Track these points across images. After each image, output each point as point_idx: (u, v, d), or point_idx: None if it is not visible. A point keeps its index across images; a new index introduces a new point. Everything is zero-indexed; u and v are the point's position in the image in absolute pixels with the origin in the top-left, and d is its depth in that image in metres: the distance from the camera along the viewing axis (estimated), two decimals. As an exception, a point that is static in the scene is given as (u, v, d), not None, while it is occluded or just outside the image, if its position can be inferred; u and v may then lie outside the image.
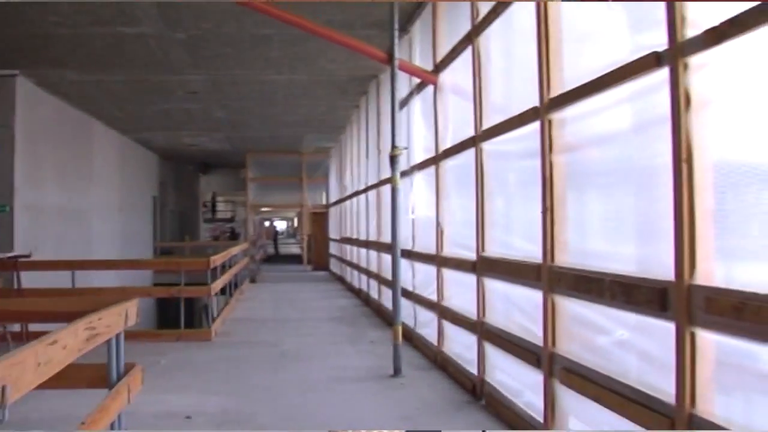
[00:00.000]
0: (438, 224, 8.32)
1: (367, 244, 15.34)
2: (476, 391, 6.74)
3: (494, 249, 6.37)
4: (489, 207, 6.53)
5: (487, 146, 6.51)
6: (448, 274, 8.12)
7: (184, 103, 16.26)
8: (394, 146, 8.06)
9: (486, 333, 6.48)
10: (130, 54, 11.71)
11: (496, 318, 6.36)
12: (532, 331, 5.32)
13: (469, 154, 6.94)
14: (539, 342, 5.09)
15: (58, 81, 13.83)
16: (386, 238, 12.25)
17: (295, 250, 47.12)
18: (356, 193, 17.44)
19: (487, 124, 6.41)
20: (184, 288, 10.67)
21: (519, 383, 5.73)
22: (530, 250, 5.34)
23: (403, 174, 10.39)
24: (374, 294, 14.50)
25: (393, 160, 8.07)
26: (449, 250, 8.05)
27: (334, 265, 24.80)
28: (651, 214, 3.87)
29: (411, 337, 10.14)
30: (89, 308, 4.36)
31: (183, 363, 9.02)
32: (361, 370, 8.35)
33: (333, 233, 25.57)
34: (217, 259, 11.81)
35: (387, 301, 12.21)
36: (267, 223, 68.15)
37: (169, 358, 9.27)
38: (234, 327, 12.06)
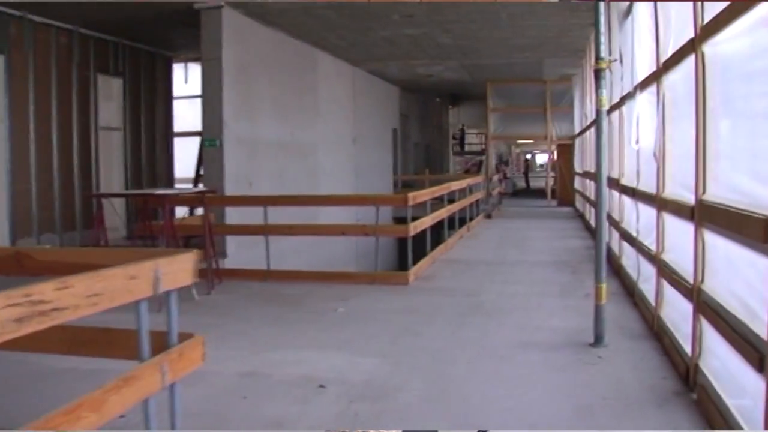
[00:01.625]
0: (655, 156, 6.57)
1: (591, 177, 13.53)
2: (689, 378, 5.10)
3: (718, 191, 4.64)
4: (712, 133, 4.77)
5: (708, 49, 4.73)
6: (668, 220, 6.39)
7: (403, 28, 15.17)
8: (598, 58, 6.36)
9: (702, 305, 4.79)
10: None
11: (715, 286, 4.65)
12: (758, 314, 3.64)
13: (689, 63, 5.17)
14: (764, 334, 3.44)
15: (264, 10, 13.28)
16: (615, 172, 10.51)
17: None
18: (594, 123, 15.52)
19: (709, 16, 4.62)
20: (379, 227, 9.70)
21: (737, 383, 4.07)
22: (758, 194, 3.65)
23: (627, 96, 8.63)
24: (606, 236, 12.70)
25: (598, 75, 6.39)
26: (671, 190, 6.30)
27: (578, 201, 22.94)
28: None
29: (633, 292, 8.48)
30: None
31: (361, 312, 8.08)
32: (558, 333, 6.90)
33: (577, 166, 23.63)
34: (420, 195, 10.69)
35: (617, 246, 10.54)
36: (528, 156, 66.68)
37: (350, 305, 8.38)
38: (440, 270, 10.98)
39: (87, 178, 14.81)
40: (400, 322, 7.48)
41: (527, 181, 42.86)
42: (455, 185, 14.89)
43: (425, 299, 8.73)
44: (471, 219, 18.01)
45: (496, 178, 24.39)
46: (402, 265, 13.09)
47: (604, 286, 6.40)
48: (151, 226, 9.48)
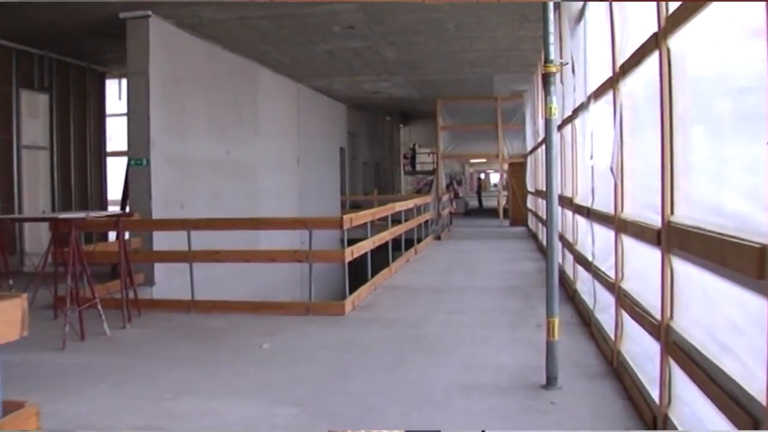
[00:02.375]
0: (613, 171, 5.85)
1: (541, 195, 12.86)
2: (657, 427, 4.34)
3: (690, 211, 3.90)
4: (681, 142, 4.05)
5: (675, 43, 4.01)
6: (629, 243, 5.67)
7: (346, 41, 14.42)
8: (547, 61, 5.62)
9: (671, 345, 4.04)
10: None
11: (687, 324, 3.90)
12: (752, 370, 2.89)
13: (651, 63, 4.46)
14: (763, 398, 2.68)
15: (196, 21, 12.43)
16: (568, 191, 9.83)
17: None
18: (545, 139, 14.92)
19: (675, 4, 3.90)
20: (313, 252, 8.84)
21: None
22: (751, 217, 2.91)
23: (580, 108, 7.94)
24: (559, 258, 12.05)
25: (546, 80, 5.65)
26: (632, 210, 5.59)
27: (531, 221, 22.35)
28: None
29: (589, 322, 7.76)
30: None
31: (288, 348, 7.21)
32: (506, 373, 6.10)
33: (529, 185, 23.06)
34: (358, 218, 9.88)
35: (571, 269, 9.84)
36: (482, 175, 66.24)
37: (277, 340, 7.51)
38: (381, 298, 10.16)
39: (8, 200, 13.76)
40: (329, 361, 6.63)
41: (480, 201, 42.35)
42: (400, 205, 14.13)
43: (362, 332, 7.90)
44: (419, 241, 17.26)
45: (446, 197, 23.68)
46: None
47: (556, 320, 5.64)
48: (63, 253, 8.51)
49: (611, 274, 6.25)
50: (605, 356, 6.48)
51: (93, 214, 8.60)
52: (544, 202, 16.31)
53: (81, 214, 8.04)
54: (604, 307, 7.01)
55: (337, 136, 25.41)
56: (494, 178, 77.53)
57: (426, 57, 16.50)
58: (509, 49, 15.70)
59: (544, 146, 14.98)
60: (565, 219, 11.85)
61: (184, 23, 12.57)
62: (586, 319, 8.04)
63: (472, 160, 57.07)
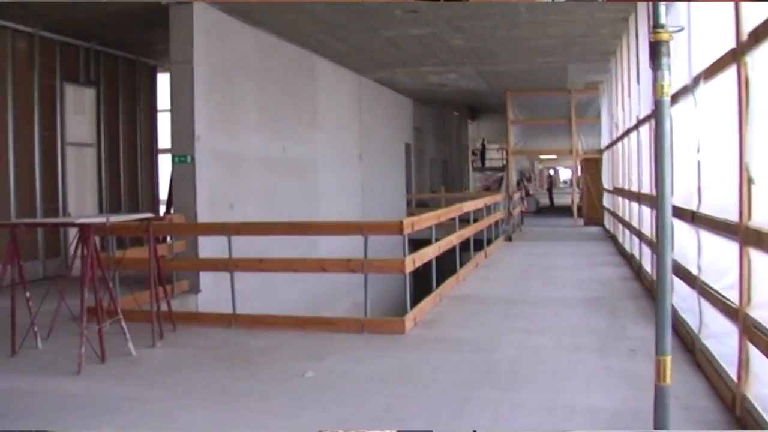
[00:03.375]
0: (742, 168, 4.59)
1: (638, 197, 11.50)
2: None
3: None
4: None
5: None
6: (761, 261, 4.42)
7: (408, 27, 13.29)
8: (656, 26, 4.34)
9: None
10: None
11: None
12: None
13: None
14: None
15: (244, 7, 11.49)
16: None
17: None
18: (627, 132, 13.56)
19: None
20: (369, 262, 7.74)
21: None
22: None
23: (683, 91, 6.64)
24: (647, 265, 10.76)
25: (656, 50, 4.35)
26: (764, 219, 4.35)
27: (608, 221, 20.90)
28: None
29: (693, 348, 6.49)
30: None
31: (335, 378, 6.12)
32: (600, 419, 4.89)
33: (606, 182, 21.60)
34: (421, 221, 8.73)
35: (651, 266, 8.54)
36: (551, 172, 64.38)
37: (324, 367, 6.44)
38: (448, 311, 9.01)
39: (52, 200, 13.05)
40: (382, 398, 5.51)
41: (551, 198, 40.76)
42: (469, 206, 12.93)
43: (423, 357, 6.76)
44: (489, 242, 16.05)
45: (517, 196, 22.36)
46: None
47: (668, 359, 4.38)
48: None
49: (732, 296, 4.99)
50: (722, 398, 5.23)
51: (115, 217, 7.65)
52: (626, 201, 15.01)
53: (101, 219, 7.08)
54: (716, 334, 5.74)
55: (403, 131, 24.30)
56: (564, 174, 75.60)
57: (496, 45, 15.25)
58: (586, 35, 14.36)
59: (627, 140, 13.64)
60: (641, 215, 10.65)
61: (231, 9, 11.63)
62: (688, 343, 6.76)
63: (542, 157, 55.55)
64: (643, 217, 11.08)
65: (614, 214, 18.03)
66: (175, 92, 10.97)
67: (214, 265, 8.63)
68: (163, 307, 7.86)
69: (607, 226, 20.58)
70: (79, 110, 14.06)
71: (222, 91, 11.84)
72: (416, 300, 8.68)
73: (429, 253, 9.04)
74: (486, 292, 10.57)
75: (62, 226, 8.54)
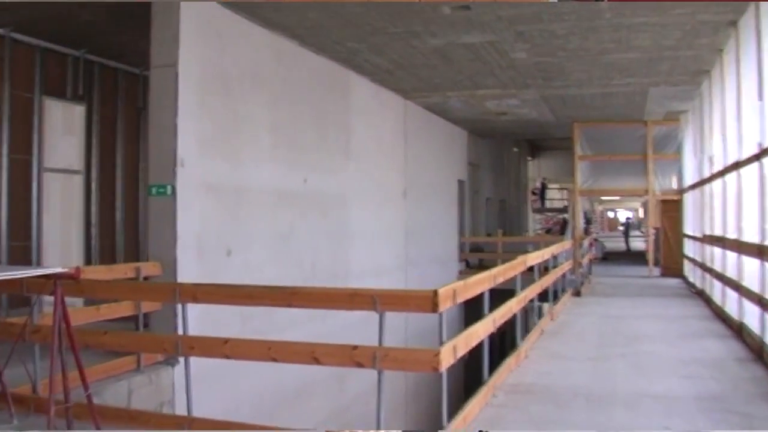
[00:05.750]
0: None
1: (760, 252, 8.60)
2: None
3: None
4: None
5: None
6: None
7: (459, 33, 10.69)
8: None
9: None
10: None
11: None
12: None
13: None
14: None
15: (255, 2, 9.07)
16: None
17: (639, 244, 39.79)
18: (732, 167, 10.67)
19: None
20: (386, 351, 5.04)
21: None
22: None
23: None
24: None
25: None
26: None
27: (691, 273, 17.84)
28: None
29: None
30: None
31: None
32: None
33: (689, 228, 18.57)
34: (466, 288, 5.91)
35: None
36: (611, 214, 60.92)
37: None
38: (504, 416, 6.24)
39: (22, 238, 10.68)
40: None
41: (627, 242, 37.55)
42: (534, 259, 10.05)
43: None
44: (555, 296, 13.26)
45: (586, 242, 19.42)
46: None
47: None
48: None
49: None
50: None
51: (7, 273, 5.13)
52: (728, 253, 12.08)
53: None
54: None
55: (456, 166, 21.60)
56: (622, 216, 71.86)
57: (566, 59, 12.53)
58: (678, 47, 11.60)
59: (728, 177, 10.75)
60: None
61: (236, 3, 9.20)
62: None
63: (603, 198, 52.23)
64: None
65: (703, 266, 15.05)
66: (153, 104, 8.57)
67: (159, 344, 6.02)
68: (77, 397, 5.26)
69: (692, 279, 17.53)
70: (66, 130, 11.73)
71: (220, 105, 9.39)
72: (467, 393, 5.96)
73: (479, 332, 6.26)
74: (557, 380, 7.73)
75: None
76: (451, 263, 20.26)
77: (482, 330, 6.39)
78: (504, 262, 12.86)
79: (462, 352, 5.58)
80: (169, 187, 8.38)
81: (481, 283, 6.44)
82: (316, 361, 5.36)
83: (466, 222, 22.75)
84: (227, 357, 5.78)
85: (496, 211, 27.57)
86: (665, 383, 7.50)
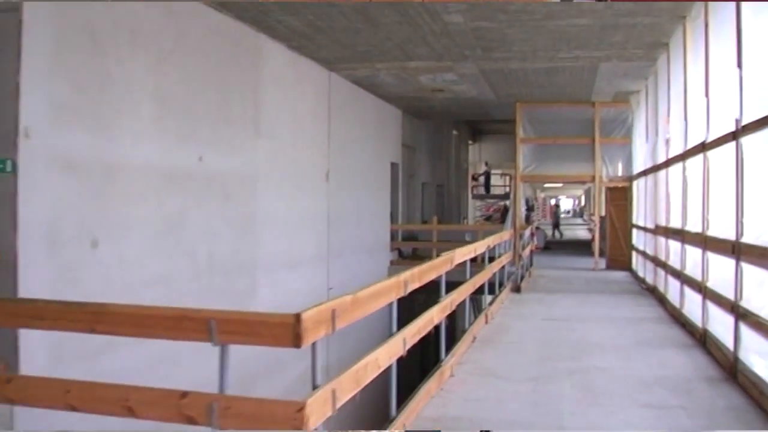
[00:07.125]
0: None
1: (733, 249, 7.10)
2: None
3: None
4: None
5: None
6: None
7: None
8: None
9: None
10: None
11: None
12: None
13: None
14: None
15: None
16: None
17: (581, 233, 38.80)
18: (697, 150, 9.20)
19: None
20: (231, 401, 3.34)
21: None
22: None
23: None
24: (743, 353, 6.53)
25: None
26: None
27: (641, 266, 16.50)
28: None
29: None
30: None
31: None
32: None
33: (639, 218, 17.24)
34: (354, 305, 4.18)
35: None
36: (553, 202, 60.03)
37: None
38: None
39: None
40: None
41: (560, 232, 36.63)
42: (463, 254, 8.36)
43: None
44: (491, 294, 11.73)
45: (527, 232, 17.94)
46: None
47: None
48: None
49: None
50: None
51: None
52: (680, 247, 10.71)
53: None
54: None
55: (388, 147, 19.91)
56: (564, 204, 71.23)
57: (507, 24, 10.93)
58: (636, 12, 10.13)
59: (687, 163, 9.28)
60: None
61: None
62: None
63: (546, 185, 51.22)
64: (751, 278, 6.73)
65: (655, 260, 13.68)
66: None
67: None
68: None
69: (641, 274, 16.20)
70: None
71: (85, 63, 7.55)
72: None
73: (379, 360, 4.55)
74: (489, 412, 6.09)
75: None
76: (381, 253, 18.59)
77: (385, 356, 4.70)
78: (439, 252, 11.22)
79: (348, 394, 3.90)
80: (9, 162, 6.59)
81: (383, 294, 4.74)
82: (130, 411, 3.64)
83: (400, 208, 21.15)
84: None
85: (434, 197, 26.05)
86: (623, 416, 5.95)
